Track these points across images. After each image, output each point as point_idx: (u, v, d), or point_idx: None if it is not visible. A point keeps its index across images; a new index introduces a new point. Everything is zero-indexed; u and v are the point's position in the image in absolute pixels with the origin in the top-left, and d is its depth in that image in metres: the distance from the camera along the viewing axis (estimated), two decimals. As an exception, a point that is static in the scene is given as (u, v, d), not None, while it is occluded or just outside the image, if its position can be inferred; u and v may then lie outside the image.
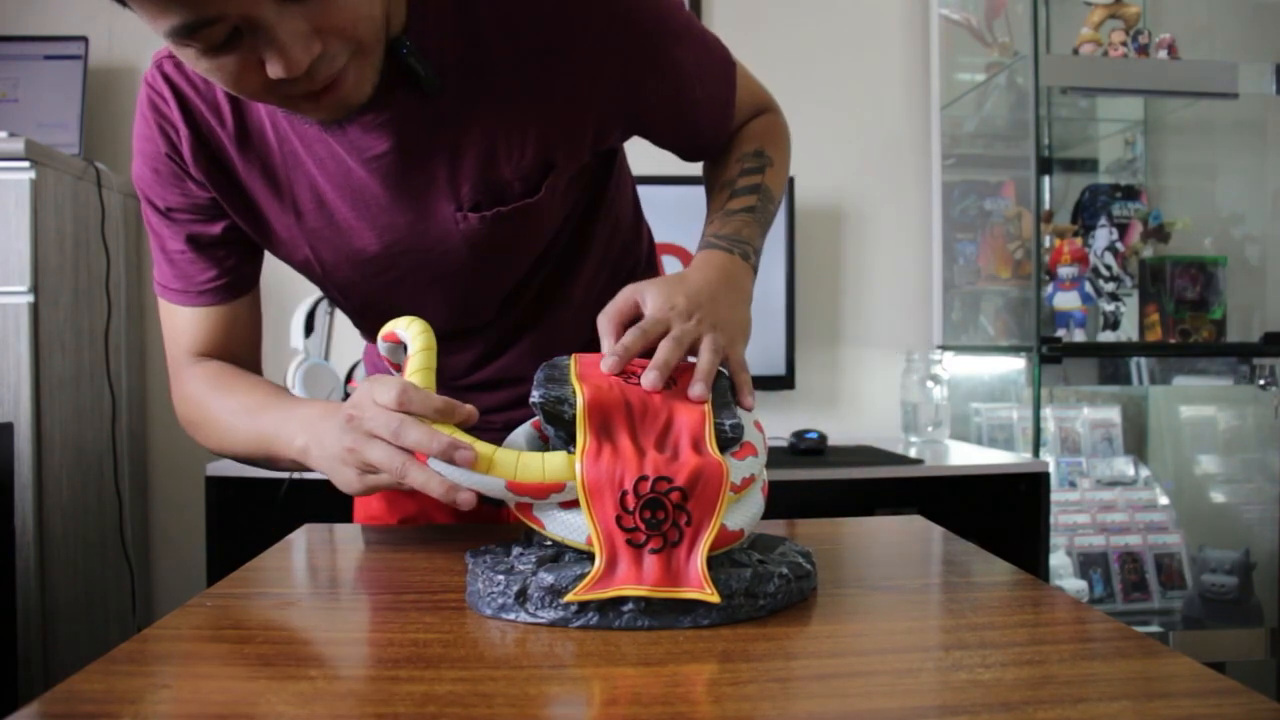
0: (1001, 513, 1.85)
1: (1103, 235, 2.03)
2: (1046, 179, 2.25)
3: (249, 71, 0.59)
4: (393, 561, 0.73)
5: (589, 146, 0.78)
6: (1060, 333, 1.95)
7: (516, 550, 0.62)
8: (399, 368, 0.70)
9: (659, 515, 0.55)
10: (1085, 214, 2.09)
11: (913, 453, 1.95)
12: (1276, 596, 1.99)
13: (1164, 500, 2.09)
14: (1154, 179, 2.31)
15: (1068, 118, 2.32)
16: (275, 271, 0.87)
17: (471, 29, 0.71)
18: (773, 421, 2.13)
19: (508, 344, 0.89)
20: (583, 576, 0.55)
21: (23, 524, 1.64)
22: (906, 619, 0.57)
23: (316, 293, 1.85)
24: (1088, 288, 1.99)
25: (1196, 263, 2.02)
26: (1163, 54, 1.97)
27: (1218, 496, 2.21)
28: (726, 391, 0.66)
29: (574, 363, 0.65)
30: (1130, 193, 2.09)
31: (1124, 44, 1.95)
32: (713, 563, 0.56)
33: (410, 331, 0.68)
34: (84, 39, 1.96)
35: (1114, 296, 2.01)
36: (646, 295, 0.70)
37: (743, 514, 0.59)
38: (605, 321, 0.68)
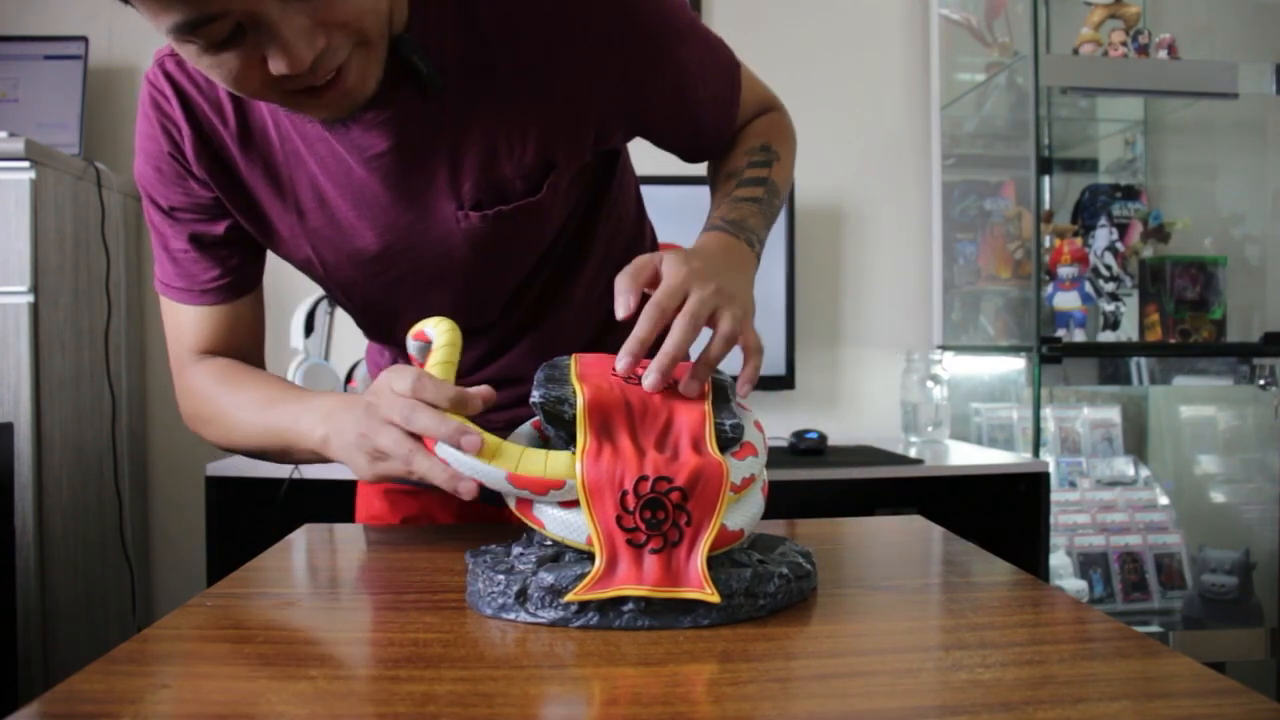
0: (1001, 513, 1.85)
1: (1103, 235, 2.03)
2: (1046, 179, 2.25)
3: (251, 68, 0.59)
4: (393, 561, 0.73)
5: (590, 146, 0.78)
6: (1060, 333, 1.95)
7: (516, 550, 0.62)
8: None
9: (659, 515, 0.55)
10: (1085, 214, 2.09)
11: (913, 453, 1.95)
12: (1276, 596, 1.99)
13: (1164, 500, 2.09)
14: (1154, 179, 2.31)
15: (1068, 118, 2.32)
16: (275, 271, 0.87)
17: (473, 27, 0.71)
18: (773, 421, 2.13)
19: (510, 344, 0.89)
20: (583, 576, 0.55)
21: (23, 524, 1.64)
22: (906, 619, 0.57)
23: (316, 293, 1.85)
24: (1088, 288, 1.99)
25: (1196, 263, 2.02)
26: (1163, 54, 1.97)
27: (1218, 496, 2.21)
28: (727, 391, 0.66)
29: (574, 363, 0.65)
30: (1130, 193, 2.09)
31: (1124, 44, 1.95)
32: (713, 563, 0.56)
33: (437, 329, 0.69)
34: (84, 39, 1.96)
35: (1114, 296, 2.01)
36: (664, 258, 0.67)
37: (743, 514, 0.59)
38: (624, 280, 0.65)
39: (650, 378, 0.61)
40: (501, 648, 0.52)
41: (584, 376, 0.62)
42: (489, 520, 0.90)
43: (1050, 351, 1.87)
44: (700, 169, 0.94)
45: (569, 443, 0.59)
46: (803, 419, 2.22)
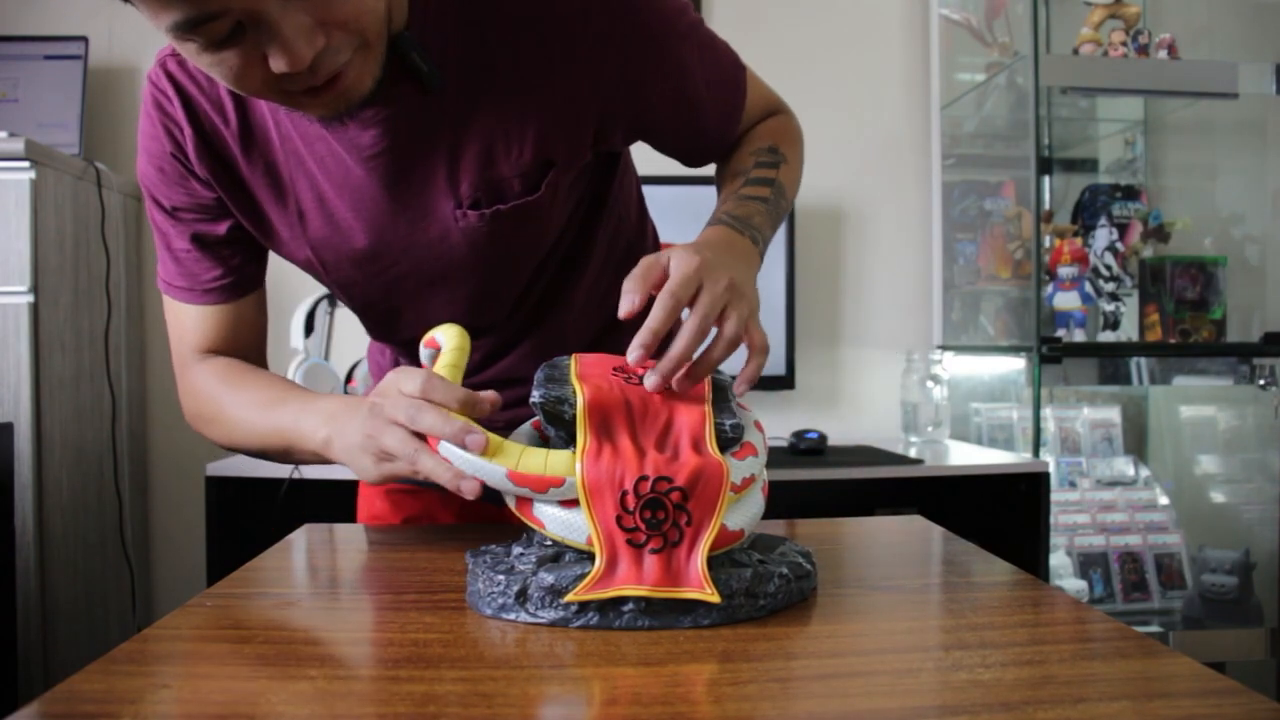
0: (1001, 513, 1.85)
1: (1103, 235, 2.03)
2: (1046, 179, 2.25)
3: (251, 67, 0.59)
4: (393, 561, 0.73)
5: (590, 146, 0.78)
6: (1060, 333, 1.95)
7: (516, 550, 0.62)
8: None
9: (659, 515, 0.55)
10: (1085, 214, 2.09)
11: (913, 453, 1.95)
12: (1276, 596, 1.99)
13: (1164, 500, 2.09)
14: (1154, 179, 2.31)
15: (1068, 118, 2.32)
16: (275, 271, 0.87)
17: (473, 25, 0.71)
18: (773, 421, 2.13)
19: (511, 345, 0.89)
20: (583, 576, 0.55)
21: (23, 524, 1.64)
22: (906, 619, 0.57)
23: (316, 293, 1.85)
24: (1088, 288, 1.99)
25: (1196, 263, 2.02)
26: (1163, 54, 1.97)
27: (1218, 496, 2.21)
28: (727, 391, 0.65)
29: (574, 363, 0.65)
30: (1130, 193, 2.09)
31: (1124, 44, 1.95)
32: (713, 563, 0.56)
33: (446, 334, 0.69)
34: (84, 39, 1.96)
35: (1114, 296, 2.01)
36: (672, 255, 0.66)
37: (743, 514, 0.59)
38: (631, 281, 0.64)
39: (652, 379, 0.61)
40: (501, 648, 0.52)
41: (584, 376, 0.62)
42: (490, 520, 0.90)
43: (1050, 351, 1.87)
44: (703, 169, 0.93)
45: (569, 443, 0.59)
46: (803, 419, 2.22)
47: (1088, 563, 1.97)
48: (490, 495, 0.61)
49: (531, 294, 0.86)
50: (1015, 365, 2.20)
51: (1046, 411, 2.14)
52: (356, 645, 0.54)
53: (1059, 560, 1.94)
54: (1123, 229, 2.05)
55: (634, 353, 0.61)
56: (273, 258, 0.85)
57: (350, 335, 1.94)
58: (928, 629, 0.56)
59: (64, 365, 1.76)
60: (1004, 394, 2.28)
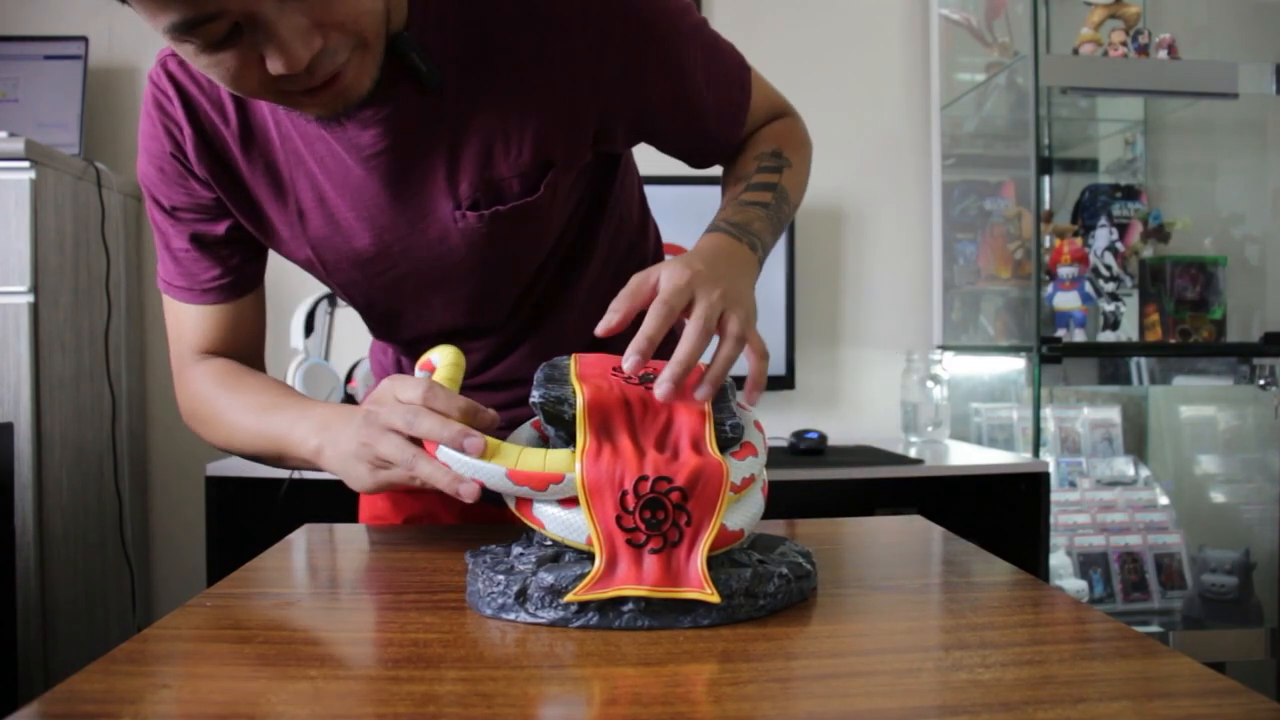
0: (1001, 513, 1.85)
1: (1103, 235, 2.03)
2: (1046, 179, 2.25)
3: (249, 68, 0.59)
4: (393, 561, 0.73)
5: (590, 146, 0.78)
6: (1060, 333, 1.95)
7: (516, 550, 0.62)
8: None
9: (659, 515, 0.55)
10: (1085, 214, 2.09)
11: (913, 453, 1.95)
12: (1276, 596, 1.99)
13: (1164, 500, 2.09)
14: (1154, 179, 2.31)
15: (1068, 118, 2.32)
16: (275, 271, 0.87)
17: (472, 25, 0.71)
18: (773, 421, 2.13)
19: (512, 346, 0.89)
20: (583, 576, 0.55)
21: (23, 524, 1.64)
22: (906, 619, 0.57)
23: (316, 293, 1.85)
24: (1088, 288, 1.99)
25: (1196, 263, 2.02)
26: (1163, 54, 1.97)
27: (1218, 496, 2.21)
28: (727, 391, 0.65)
29: (574, 363, 0.65)
30: (1130, 193, 2.09)
31: (1124, 44, 1.95)
32: (713, 563, 0.56)
33: (442, 354, 0.69)
34: (84, 39, 1.96)
35: (1114, 296, 2.01)
36: (662, 270, 0.65)
37: (743, 514, 0.59)
38: (618, 300, 0.64)
39: (663, 387, 0.60)
40: (501, 648, 0.52)
41: (584, 376, 0.62)
42: (491, 520, 0.90)
43: (1050, 351, 1.87)
44: (707, 170, 0.93)
45: (569, 443, 0.59)
46: (803, 419, 2.22)
47: (1088, 563, 1.97)
48: (491, 496, 0.61)
49: (532, 295, 0.86)
50: (1015, 365, 2.20)
51: (1046, 411, 2.14)
52: (356, 645, 0.54)
53: (1059, 560, 1.94)
54: (1123, 229, 2.05)
55: (629, 360, 0.60)
56: (273, 257, 0.85)
57: (350, 335, 1.94)
58: (928, 629, 0.56)
59: (64, 365, 1.76)
60: (1004, 394, 2.28)
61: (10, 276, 1.64)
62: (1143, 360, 1.99)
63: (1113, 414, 2.21)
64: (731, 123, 0.85)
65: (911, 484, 1.81)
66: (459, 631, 0.54)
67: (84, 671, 0.47)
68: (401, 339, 0.90)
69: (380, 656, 0.52)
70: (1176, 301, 2.00)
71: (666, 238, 1.04)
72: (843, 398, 2.31)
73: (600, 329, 0.63)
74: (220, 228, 0.80)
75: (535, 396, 0.60)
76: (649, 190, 1.00)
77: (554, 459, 0.57)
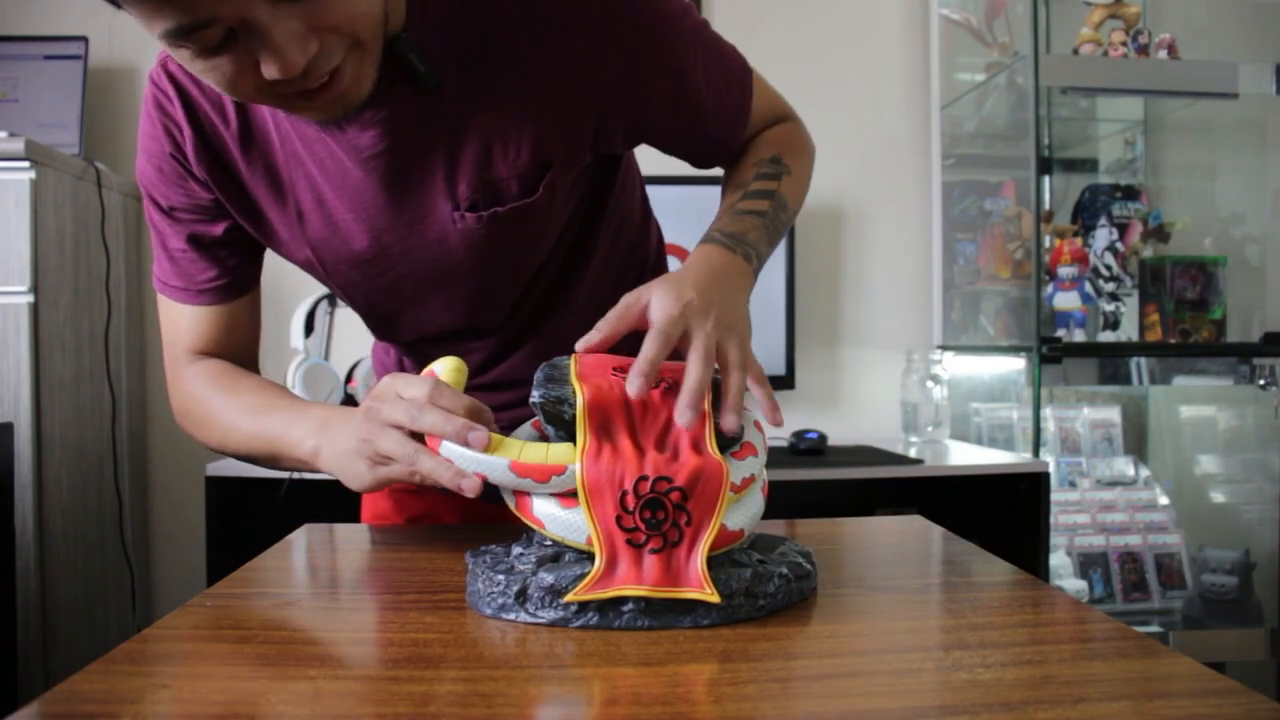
0: (1001, 513, 1.85)
1: (1103, 235, 2.03)
2: (1046, 179, 2.25)
3: (244, 73, 0.59)
4: (393, 561, 0.73)
5: (589, 147, 0.78)
6: (1060, 333, 1.95)
7: (516, 550, 0.62)
8: None
9: (659, 515, 0.55)
10: (1085, 214, 2.09)
11: (913, 453, 1.95)
12: (1276, 596, 1.99)
13: (1164, 500, 2.09)
14: (1154, 179, 2.31)
15: (1068, 118, 2.32)
16: (275, 271, 0.87)
17: (471, 26, 0.71)
18: (773, 421, 2.12)
19: (513, 347, 0.89)
20: (583, 576, 0.55)
21: (23, 524, 1.64)
22: (906, 619, 0.57)
23: (316, 293, 1.85)
24: (1088, 288, 1.99)
25: (1196, 263, 2.02)
26: (1163, 54, 1.97)
27: (1218, 496, 2.21)
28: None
29: (574, 363, 0.65)
30: (1130, 193, 2.09)
31: (1124, 44, 1.95)
32: (713, 563, 0.56)
33: (444, 366, 0.69)
34: (84, 39, 1.96)
35: (1114, 296, 2.01)
36: (653, 296, 0.65)
37: (743, 514, 0.59)
38: (604, 322, 0.65)
39: (686, 416, 0.58)
40: (501, 648, 0.52)
41: (584, 376, 0.62)
42: (493, 520, 0.90)
43: (1050, 351, 1.87)
44: (710, 169, 0.93)
45: (569, 442, 0.59)
46: (803, 419, 2.22)
47: (1088, 563, 1.97)
48: (490, 493, 0.61)
49: (531, 296, 0.86)
50: (1015, 365, 2.20)
51: (1046, 411, 2.14)
52: (356, 645, 0.54)
53: (1059, 560, 1.94)
54: (1123, 229, 2.05)
55: (633, 383, 0.59)
56: (272, 257, 0.85)
57: (350, 335, 1.94)
58: (928, 629, 0.56)
59: (64, 365, 1.76)
60: (1004, 394, 2.28)
61: (10, 276, 1.64)
62: (1143, 360, 1.99)
63: (1113, 414, 2.21)
64: (732, 124, 0.85)
65: (911, 484, 1.81)
66: (459, 631, 0.54)
67: (84, 671, 0.47)
68: (402, 340, 0.90)
69: (380, 656, 0.52)
70: (1176, 301, 2.00)
71: (668, 237, 1.03)
72: (843, 398, 2.31)
73: (581, 345, 0.63)
74: (218, 229, 0.80)
75: (535, 396, 0.60)
76: (652, 190, 1.00)
77: (556, 452, 0.58)
